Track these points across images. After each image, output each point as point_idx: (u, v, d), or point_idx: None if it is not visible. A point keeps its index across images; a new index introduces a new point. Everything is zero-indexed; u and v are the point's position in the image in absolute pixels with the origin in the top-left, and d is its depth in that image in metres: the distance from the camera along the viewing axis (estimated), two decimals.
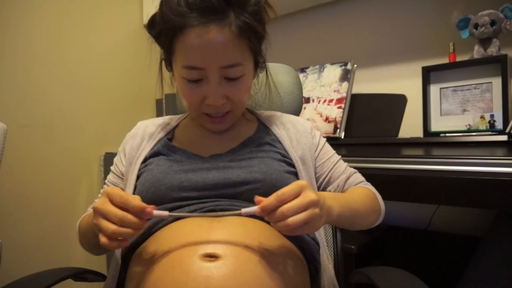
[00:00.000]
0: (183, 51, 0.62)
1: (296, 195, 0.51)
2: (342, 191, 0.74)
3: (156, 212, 0.52)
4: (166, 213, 0.53)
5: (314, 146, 0.77)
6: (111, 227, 0.50)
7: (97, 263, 1.68)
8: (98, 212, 0.51)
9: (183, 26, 0.60)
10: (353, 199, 0.66)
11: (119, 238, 0.51)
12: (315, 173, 0.75)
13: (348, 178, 0.75)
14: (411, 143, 1.23)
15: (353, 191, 0.71)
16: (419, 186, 0.85)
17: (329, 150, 0.79)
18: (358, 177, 0.77)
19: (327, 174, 0.75)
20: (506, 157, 0.79)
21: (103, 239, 0.50)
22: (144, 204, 0.51)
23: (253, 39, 0.65)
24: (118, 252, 0.66)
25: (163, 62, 0.73)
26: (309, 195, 0.50)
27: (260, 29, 0.65)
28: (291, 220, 0.49)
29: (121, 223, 0.50)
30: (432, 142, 1.20)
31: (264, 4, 0.66)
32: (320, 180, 0.76)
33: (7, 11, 1.48)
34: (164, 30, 0.63)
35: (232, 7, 0.61)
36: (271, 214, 0.50)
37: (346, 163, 0.79)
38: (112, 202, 0.51)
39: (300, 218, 0.49)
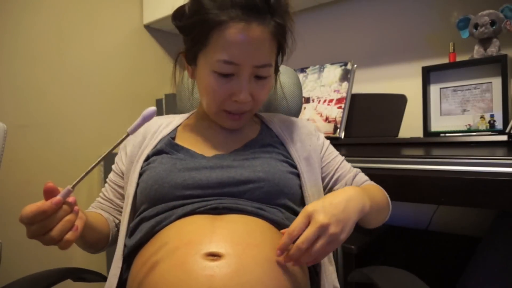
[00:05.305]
0: (222, 44, 0.62)
1: (306, 224, 0.52)
2: None
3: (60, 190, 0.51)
4: (68, 186, 0.51)
5: (319, 147, 0.78)
6: (41, 228, 0.49)
7: (97, 263, 1.68)
8: (30, 233, 0.49)
9: (225, 20, 0.61)
10: (374, 193, 0.68)
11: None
12: (321, 173, 0.76)
13: (355, 176, 0.77)
14: (411, 143, 1.23)
15: (370, 186, 0.73)
16: (419, 186, 0.85)
17: (333, 150, 0.81)
18: (363, 176, 0.79)
19: (334, 174, 0.77)
20: (506, 157, 0.79)
21: (51, 240, 0.49)
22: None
23: (283, 41, 0.68)
24: (119, 252, 0.66)
25: (178, 57, 0.73)
26: (317, 220, 0.52)
27: (288, 33, 0.68)
28: (315, 252, 0.51)
29: (43, 216, 0.48)
30: (432, 142, 1.20)
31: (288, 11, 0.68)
32: (327, 179, 0.77)
33: (7, 11, 1.47)
34: (200, 21, 0.63)
35: (270, 9, 0.63)
36: (291, 253, 0.52)
37: (349, 163, 0.81)
38: (32, 220, 0.49)
39: (318, 248, 0.51)
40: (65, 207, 0.50)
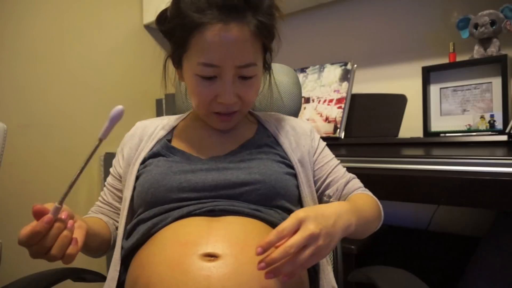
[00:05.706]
0: (201, 47, 0.61)
1: (296, 229, 0.49)
2: (341, 195, 0.73)
3: (47, 205, 0.51)
4: (55, 204, 0.51)
5: (313, 149, 0.77)
6: (39, 247, 0.49)
7: (97, 263, 1.68)
8: (31, 254, 0.50)
9: (203, 22, 0.60)
10: (363, 207, 0.66)
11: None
12: (313, 176, 0.75)
13: (347, 182, 0.74)
14: (411, 143, 1.23)
15: (360, 198, 0.70)
16: (419, 186, 0.85)
17: (328, 154, 0.79)
18: (357, 182, 0.76)
19: (326, 178, 0.75)
20: (506, 157, 0.79)
21: (53, 258, 0.50)
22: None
23: (268, 39, 0.66)
24: (117, 253, 0.66)
25: (168, 60, 0.72)
26: (308, 228, 0.49)
27: (273, 30, 0.67)
28: (299, 260, 0.48)
29: (38, 237, 0.48)
30: (432, 142, 1.20)
31: (275, 7, 0.67)
32: (319, 183, 0.75)
33: (7, 11, 1.48)
34: (180, 25, 0.62)
35: (250, 7, 0.61)
36: (274, 256, 0.48)
37: (345, 168, 0.78)
38: (29, 242, 0.49)
39: (303, 257, 0.48)
40: (58, 224, 0.50)
